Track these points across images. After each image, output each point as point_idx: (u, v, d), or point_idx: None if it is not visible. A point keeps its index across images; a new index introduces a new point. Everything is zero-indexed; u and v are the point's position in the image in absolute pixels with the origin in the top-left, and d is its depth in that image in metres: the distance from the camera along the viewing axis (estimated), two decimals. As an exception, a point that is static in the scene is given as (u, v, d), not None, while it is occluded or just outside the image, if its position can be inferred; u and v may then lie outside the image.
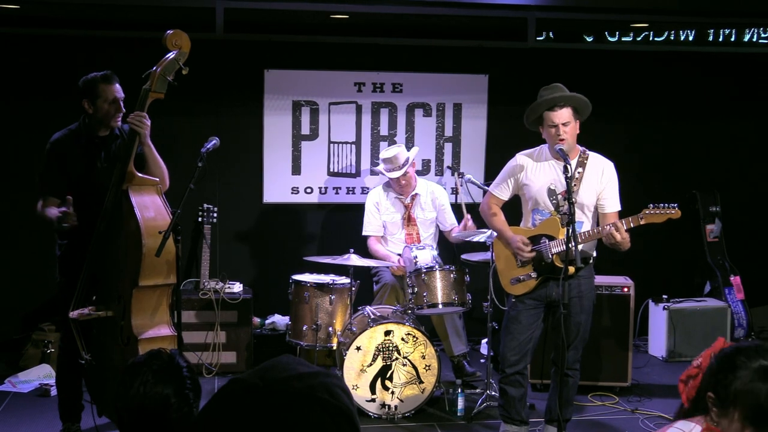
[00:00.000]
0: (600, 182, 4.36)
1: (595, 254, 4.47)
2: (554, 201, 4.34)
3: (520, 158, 4.46)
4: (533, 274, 4.38)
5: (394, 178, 5.64)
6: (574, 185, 4.27)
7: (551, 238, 4.31)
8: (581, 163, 4.35)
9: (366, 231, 5.82)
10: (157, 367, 2.07)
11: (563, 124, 4.24)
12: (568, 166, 4.11)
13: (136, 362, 2.12)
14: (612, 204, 4.40)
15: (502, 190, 4.51)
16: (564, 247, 4.17)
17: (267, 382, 1.26)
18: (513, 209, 4.65)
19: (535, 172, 4.39)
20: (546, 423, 4.65)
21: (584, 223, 4.36)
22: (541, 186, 4.36)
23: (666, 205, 4.13)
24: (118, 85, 4.20)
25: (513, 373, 4.46)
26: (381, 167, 5.82)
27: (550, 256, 4.30)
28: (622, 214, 4.37)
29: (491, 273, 4.97)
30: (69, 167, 4.21)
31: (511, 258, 4.47)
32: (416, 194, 5.76)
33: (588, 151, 4.41)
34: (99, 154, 4.23)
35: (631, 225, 4.15)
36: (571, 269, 4.09)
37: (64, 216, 4.02)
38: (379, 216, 5.78)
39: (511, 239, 4.42)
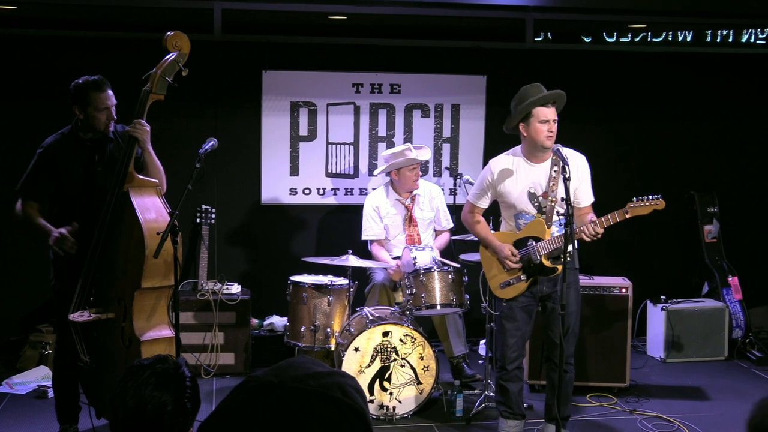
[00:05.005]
0: (576, 178, 4.39)
1: (576, 245, 4.51)
2: (536, 204, 4.39)
3: (495, 166, 4.47)
4: (523, 277, 4.43)
5: (423, 160, 5.66)
6: (552, 184, 4.33)
7: (537, 239, 4.36)
8: (556, 162, 4.34)
9: (365, 235, 5.78)
10: (161, 370, 2.06)
11: (553, 121, 4.31)
12: (567, 167, 4.14)
13: (142, 363, 2.12)
14: (586, 197, 4.49)
15: (482, 200, 4.56)
16: (552, 247, 4.30)
17: (281, 380, 1.28)
18: (494, 213, 4.70)
19: (513, 178, 4.41)
20: (546, 422, 4.67)
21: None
22: (521, 191, 4.39)
23: (650, 196, 4.19)
24: (109, 92, 4.13)
25: (513, 369, 4.51)
26: (403, 157, 5.62)
27: (539, 257, 4.34)
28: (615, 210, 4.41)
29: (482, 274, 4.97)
30: (63, 172, 4.18)
31: (498, 263, 4.51)
32: (416, 195, 5.75)
33: (561, 148, 4.38)
34: (93, 158, 4.22)
35: (617, 220, 4.22)
36: (559, 268, 4.22)
37: (62, 240, 4.05)
38: (380, 220, 5.76)
39: (498, 249, 4.46)
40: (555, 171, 4.33)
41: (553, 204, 4.34)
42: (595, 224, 4.22)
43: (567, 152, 4.39)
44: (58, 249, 4.08)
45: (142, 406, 2.00)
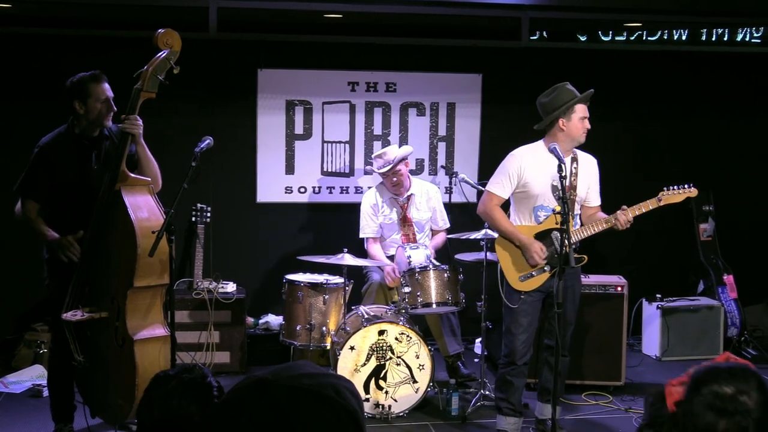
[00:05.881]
0: (589, 177, 4.57)
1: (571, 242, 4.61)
2: (557, 196, 4.44)
3: (520, 155, 4.52)
4: (546, 268, 4.47)
5: (385, 173, 5.62)
6: (573, 179, 4.45)
7: (562, 231, 4.39)
8: (574, 159, 4.51)
9: (363, 233, 5.79)
10: (187, 380, 2.02)
11: (588, 119, 4.49)
12: (563, 165, 4.20)
13: (168, 373, 2.07)
14: (596, 198, 4.66)
15: (503, 189, 4.52)
16: (577, 237, 4.42)
17: (277, 378, 1.31)
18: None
19: (537, 169, 4.45)
20: (542, 403, 4.74)
21: (579, 215, 4.57)
22: (545, 183, 4.43)
23: (682, 185, 4.40)
24: (107, 84, 4.17)
25: (523, 364, 4.55)
26: (374, 166, 5.81)
27: (563, 248, 4.36)
28: (615, 209, 4.48)
29: (485, 272, 4.96)
30: (60, 171, 4.17)
31: (519, 255, 4.52)
32: (411, 194, 5.75)
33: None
34: (90, 156, 4.21)
35: (650, 208, 4.37)
36: (585, 258, 4.42)
37: (66, 245, 4.05)
38: (376, 218, 5.76)
39: (527, 243, 4.44)
40: (575, 168, 4.47)
41: (574, 198, 4.45)
42: (625, 212, 4.34)
43: (580, 153, 4.54)
44: (62, 255, 4.08)
45: (169, 416, 1.96)
